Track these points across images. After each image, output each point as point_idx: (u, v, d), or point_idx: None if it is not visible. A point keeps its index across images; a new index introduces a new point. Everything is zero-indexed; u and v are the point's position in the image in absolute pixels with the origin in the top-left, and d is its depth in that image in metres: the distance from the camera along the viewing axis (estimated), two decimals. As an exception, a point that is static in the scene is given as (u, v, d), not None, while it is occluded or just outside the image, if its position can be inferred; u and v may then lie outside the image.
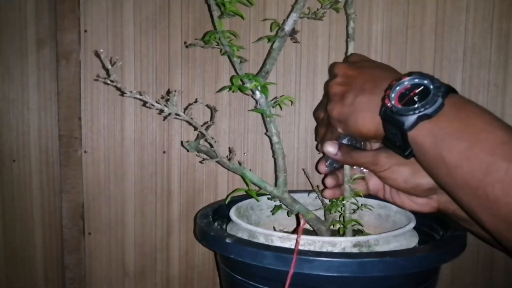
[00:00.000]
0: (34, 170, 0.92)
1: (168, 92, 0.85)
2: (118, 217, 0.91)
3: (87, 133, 0.89)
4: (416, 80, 0.51)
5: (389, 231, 0.61)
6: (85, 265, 0.92)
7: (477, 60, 0.81)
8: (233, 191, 0.70)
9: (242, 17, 0.73)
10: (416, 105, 0.49)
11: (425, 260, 0.53)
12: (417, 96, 0.50)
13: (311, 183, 0.76)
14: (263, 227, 0.65)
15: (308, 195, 0.77)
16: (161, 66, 0.87)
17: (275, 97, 0.73)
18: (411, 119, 0.49)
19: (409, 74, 0.53)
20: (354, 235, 0.65)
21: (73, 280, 0.91)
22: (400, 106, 0.50)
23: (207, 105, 0.84)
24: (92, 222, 0.91)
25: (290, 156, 0.85)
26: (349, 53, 0.67)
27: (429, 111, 0.48)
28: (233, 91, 0.68)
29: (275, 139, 0.68)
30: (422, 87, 0.51)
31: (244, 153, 0.87)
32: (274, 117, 0.68)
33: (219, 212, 0.74)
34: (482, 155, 0.45)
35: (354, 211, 0.66)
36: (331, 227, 0.68)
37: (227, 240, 0.57)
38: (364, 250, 0.58)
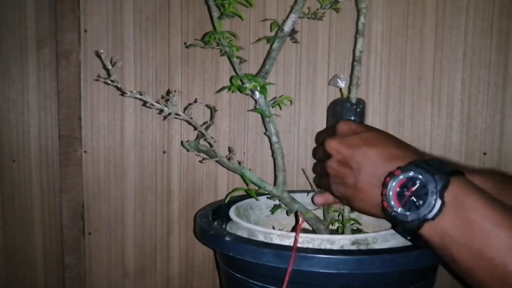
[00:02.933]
0: (34, 170, 0.92)
1: (168, 92, 0.85)
2: (118, 217, 0.91)
3: (87, 133, 0.89)
4: (411, 174, 0.49)
5: (387, 229, 0.61)
6: (85, 265, 0.92)
7: (477, 60, 0.81)
8: (233, 191, 0.70)
9: (241, 18, 0.73)
10: (416, 210, 0.47)
11: (422, 258, 0.53)
12: (415, 197, 0.48)
13: (310, 183, 0.76)
14: (263, 227, 0.65)
15: (307, 195, 0.77)
16: (161, 66, 0.87)
17: (275, 97, 0.73)
18: (413, 222, 0.48)
19: (405, 157, 0.52)
20: (352, 234, 0.65)
21: (73, 280, 0.91)
22: (399, 209, 0.49)
23: (207, 105, 0.85)
24: (92, 222, 0.91)
25: (290, 156, 0.85)
26: (357, 50, 0.65)
27: (430, 215, 0.46)
28: (232, 91, 0.68)
29: (274, 138, 0.68)
30: (418, 183, 0.48)
31: (244, 153, 0.87)
32: (274, 117, 0.68)
33: (219, 211, 0.74)
34: (494, 262, 0.44)
35: (352, 210, 0.66)
36: (330, 226, 0.68)
37: (227, 238, 0.58)
38: (362, 248, 0.58)
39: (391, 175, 0.50)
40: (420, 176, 0.48)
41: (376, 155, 0.54)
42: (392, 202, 0.49)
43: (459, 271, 0.47)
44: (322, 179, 0.62)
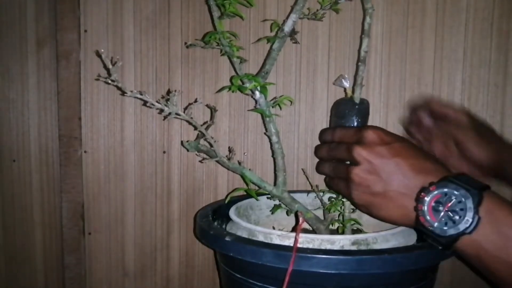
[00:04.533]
0: (34, 170, 0.92)
1: (168, 92, 0.85)
2: (118, 217, 0.91)
3: (87, 133, 0.89)
4: (446, 190, 0.51)
5: (387, 230, 0.61)
6: (85, 265, 0.92)
7: (477, 60, 0.81)
8: (233, 191, 0.70)
9: (241, 17, 0.73)
10: (454, 225, 0.49)
11: (422, 258, 0.54)
12: (451, 212, 0.50)
13: (310, 183, 0.76)
14: (263, 227, 0.65)
15: (307, 195, 0.77)
16: (161, 66, 0.87)
17: (275, 97, 0.73)
18: (451, 237, 0.50)
19: (436, 171, 0.54)
20: (353, 234, 0.65)
21: (73, 280, 0.91)
22: (436, 224, 0.51)
23: (207, 105, 0.85)
24: (92, 222, 0.91)
25: (290, 156, 0.85)
26: (362, 50, 0.65)
27: (468, 230, 0.49)
28: (232, 91, 0.68)
29: (274, 138, 0.68)
30: (454, 199, 0.50)
31: (244, 153, 0.87)
32: (274, 117, 0.68)
33: (219, 211, 0.74)
34: None
35: (353, 210, 0.66)
36: (330, 226, 0.68)
37: (227, 239, 0.58)
38: (363, 248, 0.58)
39: (426, 190, 0.52)
40: (456, 192, 0.50)
41: (408, 167, 0.55)
42: (428, 217, 0.51)
43: (493, 278, 0.50)
44: (337, 181, 0.62)
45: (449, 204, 0.50)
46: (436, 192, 0.51)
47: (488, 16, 0.80)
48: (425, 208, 0.51)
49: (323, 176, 0.68)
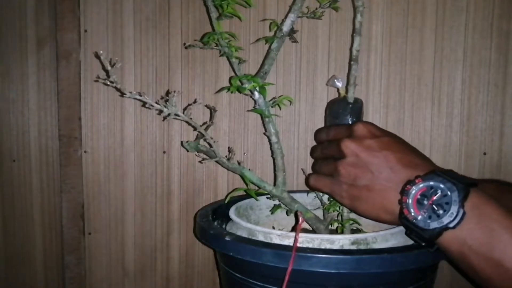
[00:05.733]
0: (34, 170, 0.92)
1: (168, 93, 0.85)
2: (118, 217, 0.91)
3: (87, 133, 0.89)
4: (432, 183, 0.50)
5: (387, 229, 0.61)
6: (85, 265, 0.92)
7: (477, 60, 0.81)
8: (233, 191, 0.70)
9: (240, 18, 0.73)
10: (438, 219, 0.49)
11: (422, 257, 0.54)
12: (436, 205, 0.49)
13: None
14: (263, 227, 0.65)
15: (307, 195, 0.77)
16: (161, 66, 0.87)
17: (274, 97, 0.73)
18: (434, 230, 0.49)
19: (423, 166, 0.53)
20: (352, 234, 0.65)
21: (73, 280, 0.91)
22: (420, 217, 0.50)
23: (206, 106, 0.84)
24: (92, 222, 0.91)
25: (289, 156, 0.85)
26: (354, 49, 0.65)
27: (452, 224, 0.48)
28: (231, 92, 0.68)
29: (273, 139, 0.68)
30: (439, 192, 0.50)
31: (244, 153, 0.87)
32: (273, 117, 0.68)
33: (219, 211, 0.74)
34: None
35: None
36: (330, 226, 0.68)
37: (227, 238, 0.58)
38: (362, 247, 0.58)
39: (412, 183, 0.51)
40: (441, 185, 0.49)
41: (395, 160, 0.54)
42: (412, 210, 0.51)
43: (477, 278, 0.49)
44: (323, 178, 0.62)
45: (434, 198, 0.50)
46: (422, 185, 0.50)
47: (488, 16, 0.80)
48: (410, 201, 0.51)
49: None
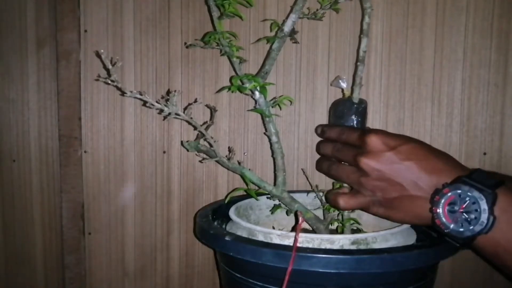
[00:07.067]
0: (34, 170, 0.92)
1: (168, 92, 0.85)
2: (118, 217, 0.91)
3: (87, 133, 0.89)
4: (459, 191, 0.51)
5: (387, 229, 0.61)
6: (85, 265, 0.92)
7: (477, 60, 0.81)
8: (233, 191, 0.70)
9: (241, 18, 0.73)
10: (469, 226, 0.50)
11: (422, 257, 0.54)
12: (466, 213, 0.51)
13: (310, 184, 0.76)
14: (263, 227, 0.65)
15: (307, 195, 0.77)
16: (161, 66, 0.87)
17: (274, 97, 0.73)
18: (467, 238, 0.51)
19: (448, 170, 0.54)
20: (352, 234, 0.65)
21: (73, 280, 0.91)
22: (452, 226, 0.51)
23: (207, 105, 0.84)
24: (92, 222, 0.91)
25: (290, 156, 0.85)
26: (361, 50, 0.65)
27: (483, 231, 0.49)
28: (232, 92, 0.68)
29: (274, 138, 0.68)
30: (468, 200, 0.50)
31: (244, 153, 0.87)
32: (274, 117, 0.68)
33: (219, 211, 0.74)
34: None
35: (353, 210, 0.66)
36: (330, 226, 0.68)
37: (227, 238, 0.58)
38: (362, 247, 0.58)
39: (439, 192, 0.52)
40: (469, 194, 0.50)
41: (419, 169, 0.55)
42: (444, 220, 0.52)
43: None
44: (350, 198, 0.61)
45: (464, 206, 0.51)
46: (449, 194, 0.51)
47: (488, 16, 0.80)
48: (440, 210, 0.52)
49: (323, 176, 0.68)
